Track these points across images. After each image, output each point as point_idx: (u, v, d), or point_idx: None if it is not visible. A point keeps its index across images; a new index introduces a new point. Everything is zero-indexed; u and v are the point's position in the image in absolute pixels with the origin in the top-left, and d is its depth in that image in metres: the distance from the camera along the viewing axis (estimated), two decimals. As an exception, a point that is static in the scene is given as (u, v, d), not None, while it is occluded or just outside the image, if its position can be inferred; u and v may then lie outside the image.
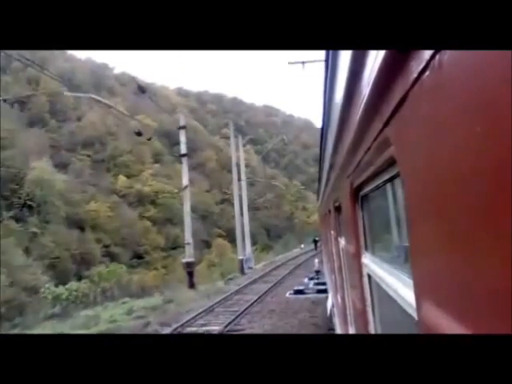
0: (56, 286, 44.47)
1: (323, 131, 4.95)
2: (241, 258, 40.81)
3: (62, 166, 67.63)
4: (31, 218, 50.20)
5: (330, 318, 13.71)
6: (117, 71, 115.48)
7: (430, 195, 1.01)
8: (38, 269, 44.17)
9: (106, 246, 57.07)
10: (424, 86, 0.96)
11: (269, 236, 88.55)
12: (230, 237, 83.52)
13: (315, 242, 59.73)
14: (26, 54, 22.77)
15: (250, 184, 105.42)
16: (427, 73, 0.91)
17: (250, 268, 41.64)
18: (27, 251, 45.77)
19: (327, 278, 17.27)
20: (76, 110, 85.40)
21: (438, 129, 0.90)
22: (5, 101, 72.69)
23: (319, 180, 11.18)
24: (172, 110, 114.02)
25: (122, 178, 73.65)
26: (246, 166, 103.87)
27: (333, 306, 11.66)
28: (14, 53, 21.38)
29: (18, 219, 49.13)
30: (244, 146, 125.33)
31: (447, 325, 0.91)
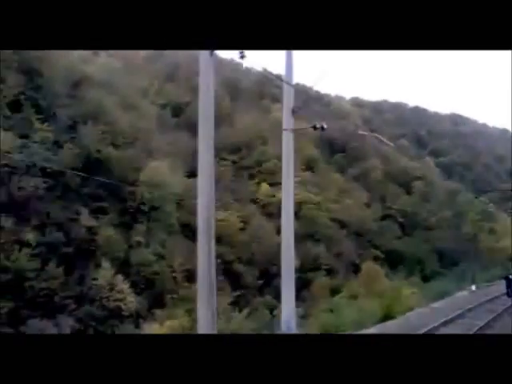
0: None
1: None
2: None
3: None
4: (139, 225, 44.50)
5: None
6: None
7: None
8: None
9: (228, 263, 48.83)
10: None
11: (441, 262, 72.06)
12: (390, 261, 70.14)
13: (509, 281, 37.63)
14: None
15: (425, 200, 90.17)
16: None
17: None
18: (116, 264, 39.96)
19: None
20: (231, 115, 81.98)
21: None
22: (164, 107, 74.97)
23: None
24: (342, 117, 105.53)
25: (264, 186, 65.64)
26: (419, 178, 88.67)
27: None
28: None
29: (126, 225, 43.95)
30: (423, 157, 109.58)
31: None
